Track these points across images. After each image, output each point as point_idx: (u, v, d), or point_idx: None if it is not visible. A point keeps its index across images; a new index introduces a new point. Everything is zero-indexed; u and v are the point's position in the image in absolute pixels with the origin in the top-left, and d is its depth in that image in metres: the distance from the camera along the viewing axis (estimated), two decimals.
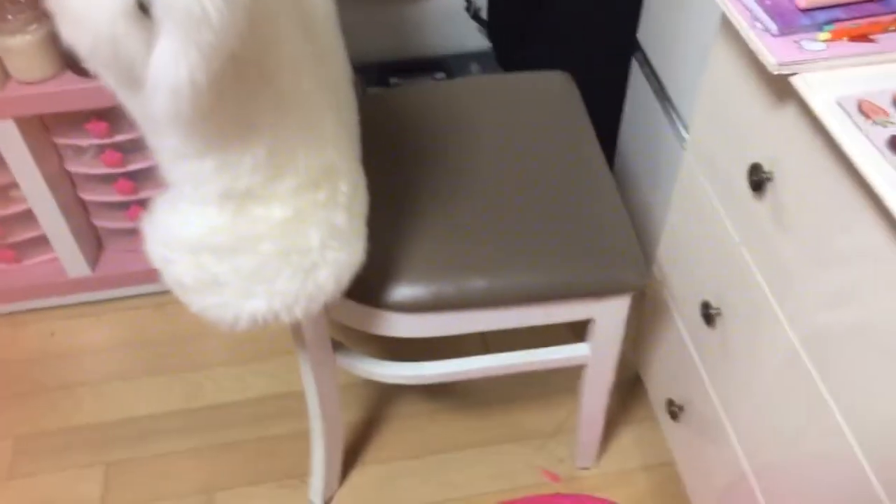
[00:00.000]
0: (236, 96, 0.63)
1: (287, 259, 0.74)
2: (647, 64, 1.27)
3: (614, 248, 0.94)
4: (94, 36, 0.54)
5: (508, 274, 0.92)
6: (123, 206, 1.36)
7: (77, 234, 1.35)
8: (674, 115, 1.18)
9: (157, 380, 1.33)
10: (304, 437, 1.23)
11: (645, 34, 1.28)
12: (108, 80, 0.62)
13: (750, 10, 0.71)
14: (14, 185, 1.29)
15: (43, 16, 1.15)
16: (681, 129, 1.15)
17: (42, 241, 1.38)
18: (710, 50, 0.88)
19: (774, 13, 0.69)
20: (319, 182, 0.75)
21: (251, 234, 0.72)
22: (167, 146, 0.65)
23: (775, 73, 0.67)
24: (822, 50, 0.67)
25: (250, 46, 0.61)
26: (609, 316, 0.98)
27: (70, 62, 1.18)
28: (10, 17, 1.12)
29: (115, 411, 1.30)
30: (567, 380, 1.31)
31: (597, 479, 1.22)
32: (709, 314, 0.95)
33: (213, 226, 0.71)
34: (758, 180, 0.78)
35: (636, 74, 1.32)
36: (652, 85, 1.25)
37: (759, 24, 0.70)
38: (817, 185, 0.70)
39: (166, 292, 1.41)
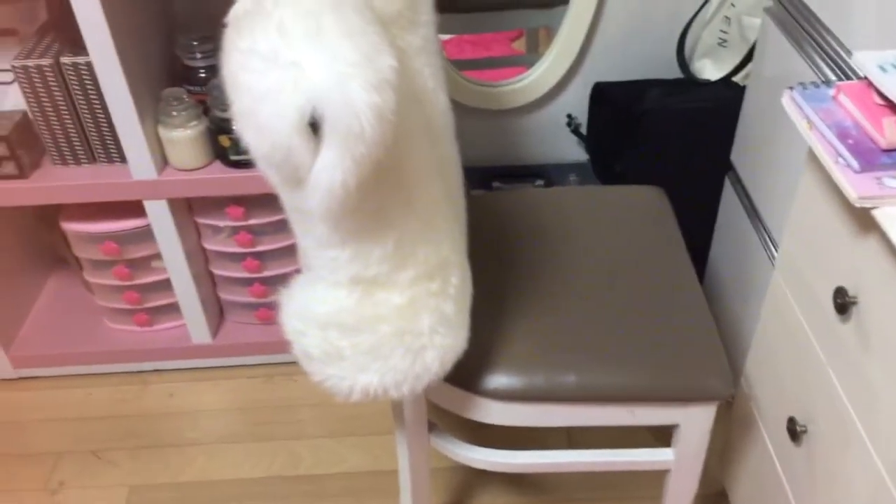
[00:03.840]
0: (375, 197, 0.75)
1: (401, 340, 0.83)
2: (739, 183, 1.34)
3: (701, 357, 0.99)
4: (273, 144, 0.67)
5: (598, 372, 0.98)
6: (248, 282, 1.50)
7: (204, 304, 1.50)
8: (764, 233, 1.23)
9: (261, 445, 1.44)
10: None
11: (738, 156, 1.35)
12: (273, 178, 0.75)
13: (834, 147, 0.78)
14: (157, 256, 1.46)
15: (202, 114, 1.33)
16: (771, 246, 1.21)
17: (173, 309, 1.53)
18: (800, 176, 0.95)
19: (856, 151, 0.76)
20: (434, 274, 0.84)
21: (373, 315, 0.82)
22: (315, 235, 0.77)
23: (857, 206, 0.73)
24: None
25: (392, 155, 0.73)
26: (694, 423, 1.02)
27: (219, 154, 1.36)
28: (174, 113, 1.31)
29: (221, 471, 1.40)
30: (648, 487, 1.32)
31: None
32: (795, 430, 0.97)
33: (342, 306, 0.81)
34: (842, 303, 0.83)
35: (728, 192, 1.39)
36: (743, 203, 1.32)
37: (842, 160, 0.77)
38: None
39: (276, 364, 1.56)
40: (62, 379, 1.57)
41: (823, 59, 1.05)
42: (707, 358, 0.99)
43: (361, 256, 0.78)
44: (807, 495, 0.97)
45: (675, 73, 1.55)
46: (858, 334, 0.82)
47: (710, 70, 1.50)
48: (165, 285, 1.49)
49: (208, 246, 1.47)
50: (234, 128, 1.29)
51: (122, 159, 1.33)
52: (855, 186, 0.74)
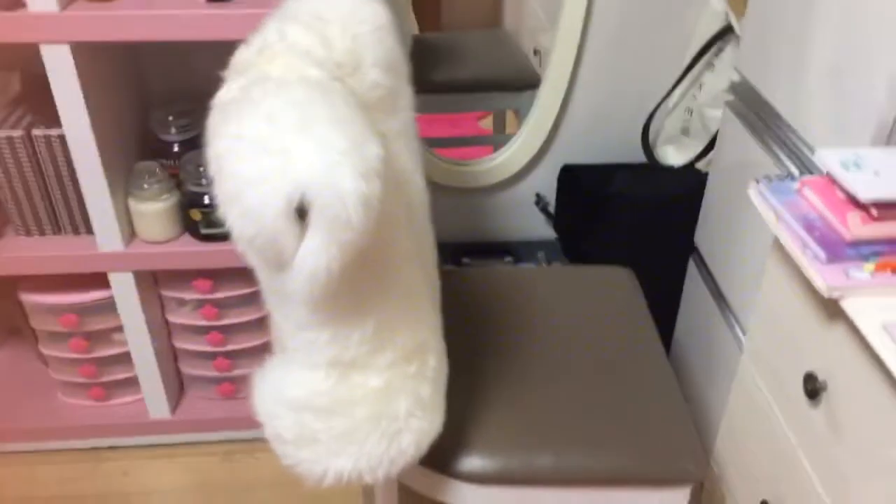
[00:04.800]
0: (357, 281, 0.75)
1: (377, 424, 0.82)
2: (703, 265, 1.38)
3: (674, 440, 1.00)
4: (258, 228, 0.67)
5: (573, 455, 0.97)
6: (211, 355, 1.47)
7: (164, 378, 1.46)
8: (728, 313, 1.26)
9: None
10: None
11: (702, 239, 1.39)
12: (254, 260, 0.75)
13: (801, 238, 0.81)
14: (118, 329, 1.42)
15: (173, 188, 1.33)
16: (735, 325, 1.23)
17: (131, 382, 1.48)
18: (765, 264, 0.98)
19: (823, 243, 0.79)
20: (412, 357, 0.84)
21: (348, 399, 0.81)
22: (293, 317, 0.76)
23: (826, 296, 0.76)
24: (868, 279, 0.76)
25: (375, 242, 0.73)
26: None
27: (189, 227, 1.34)
28: (146, 186, 1.30)
29: None
30: None
31: None
32: None
33: (318, 389, 0.80)
34: (812, 389, 0.84)
35: (692, 274, 1.42)
36: (708, 285, 1.35)
37: (809, 252, 0.80)
38: (868, 399, 0.76)
39: (237, 441, 1.51)
40: (12, 455, 1.50)
41: (783, 151, 1.11)
42: (680, 440, 1.00)
43: (340, 339, 0.77)
44: None
45: (640, 157, 1.60)
46: (828, 419, 0.84)
47: (673, 156, 1.56)
48: (124, 358, 1.44)
49: (172, 319, 1.44)
50: (209, 205, 1.28)
51: (89, 230, 1.30)
52: (824, 277, 0.77)
